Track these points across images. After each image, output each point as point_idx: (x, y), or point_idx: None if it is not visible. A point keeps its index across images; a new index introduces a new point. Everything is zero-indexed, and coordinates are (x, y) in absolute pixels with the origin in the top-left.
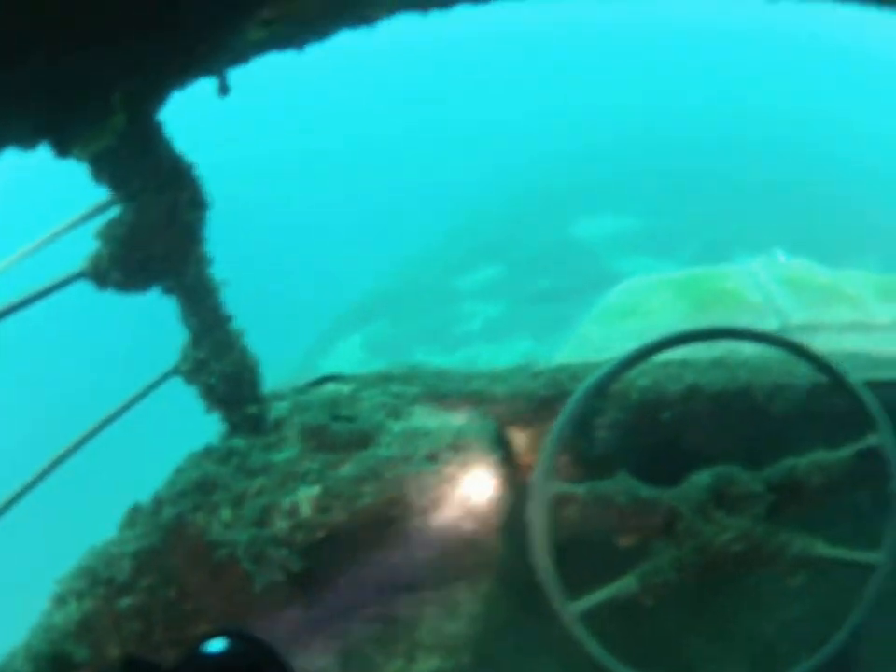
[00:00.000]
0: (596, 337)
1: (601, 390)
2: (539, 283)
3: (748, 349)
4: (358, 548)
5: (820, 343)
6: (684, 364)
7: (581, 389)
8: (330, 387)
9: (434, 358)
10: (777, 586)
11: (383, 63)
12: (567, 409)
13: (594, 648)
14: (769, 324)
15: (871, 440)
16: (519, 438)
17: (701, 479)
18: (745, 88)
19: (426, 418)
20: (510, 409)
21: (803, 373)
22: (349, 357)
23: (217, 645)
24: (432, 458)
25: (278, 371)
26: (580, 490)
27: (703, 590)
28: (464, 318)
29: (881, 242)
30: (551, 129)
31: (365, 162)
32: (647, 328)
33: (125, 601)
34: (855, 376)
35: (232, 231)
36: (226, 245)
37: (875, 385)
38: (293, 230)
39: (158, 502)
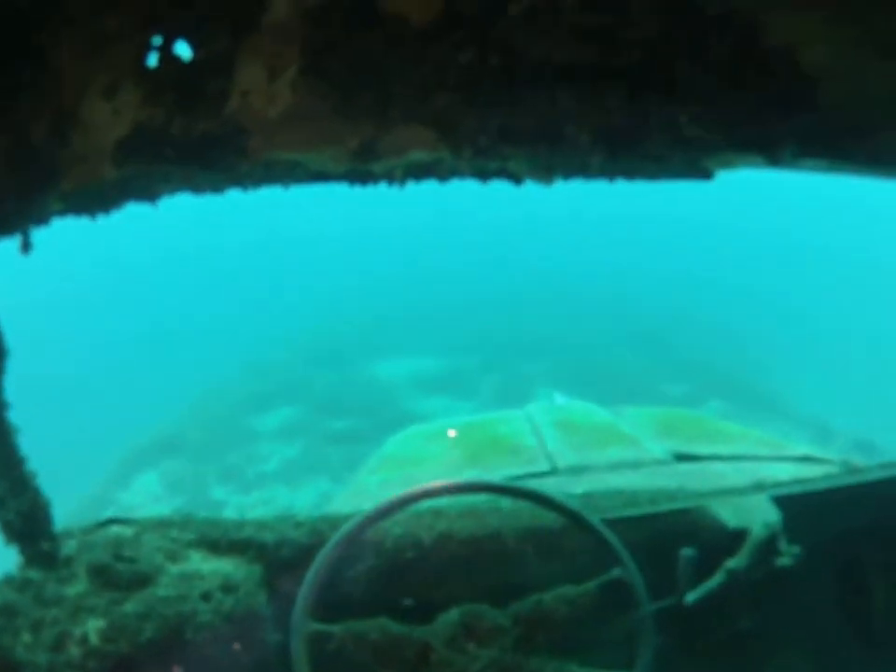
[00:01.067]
0: (371, 485)
1: (351, 540)
2: (336, 423)
3: (499, 499)
4: None
5: (587, 483)
6: (437, 513)
7: (333, 539)
8: (114, 529)
9: (231, 498)
10: None
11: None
12: (321, 556)
13: None
14: (539, 467)
15: (615, 572)
16: (284, 582)
17: (450, 616)
18: (544, 246)
19: (200, 562)
20: (275, 555)
21: (551, 517)
22: (146, 491)
23: None
24: (205, 598)
25: (75, 501)
26: (335, 629)
27: None
28: (261, 458)
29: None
30: (349, 270)
31: (162, 293)
32: (419, 476)
33: None
34: (598, 516)
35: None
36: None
37: (621, 522)
38: (90, 357)
39: None
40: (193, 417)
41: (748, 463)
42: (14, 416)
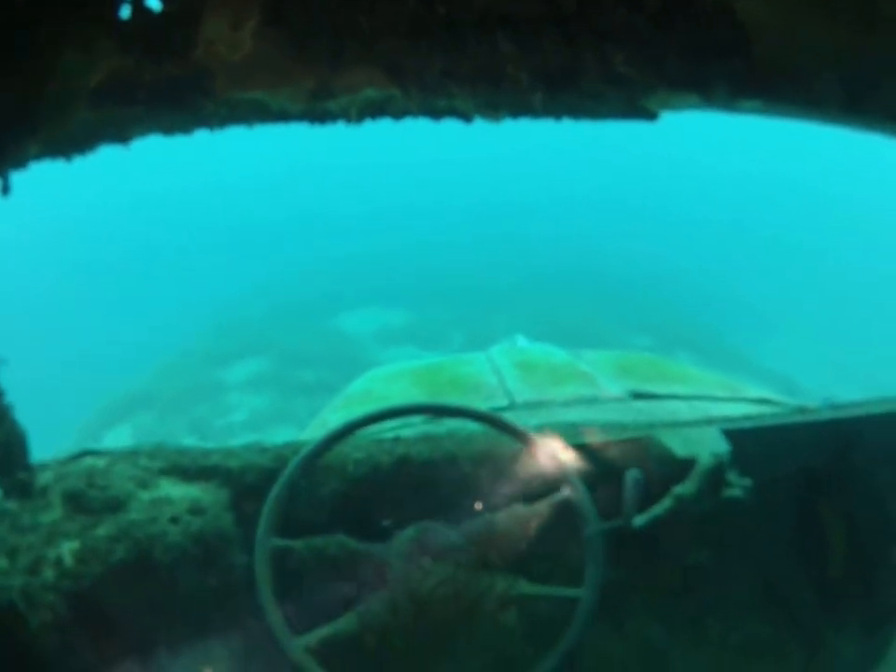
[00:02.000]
0: (333, 421)
1: (311, 461)
2: (303, 374)
3: (455, 424)
4: (116, 598)
5: (543, 418)
6: (396, 440)
7: (293, 460)
8: (88, 460)
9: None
10: (492, 624)
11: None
12: (283, 476)
13: None
14: (498, 403)
15: (563, 493)
16: (250, 506)
17: (406, 533)
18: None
19: (169, 488)
20: (241, 480)
21: (505, 442)
22: (119, 444)
23: None
24: (174, 521)
25: (49, 455)
26: (297, 544)
27: (427, 631)
28: (229, 410)
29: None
30: (315, 222)
31: (129, 251)
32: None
33: None
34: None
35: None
36: None
37: (573, 449)
38: (57, 319)
39: None
40: (164, 373)
41: (703, 402)
42: None
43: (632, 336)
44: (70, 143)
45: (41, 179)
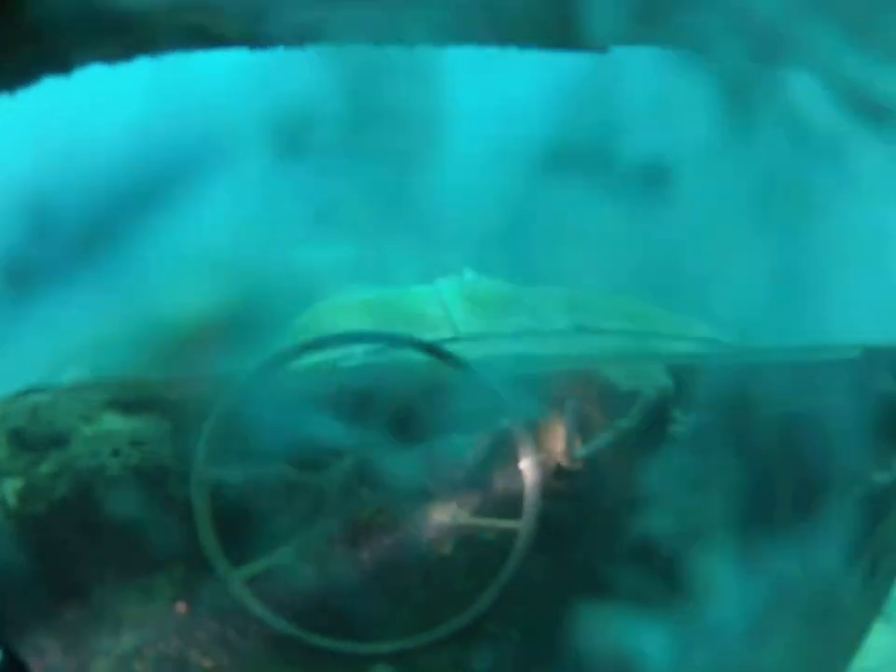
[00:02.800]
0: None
1: (248, 389)
2: (252, 309)
3: (397, 355)
4: (59, 535)
5: (487, 349)
6: (336, 369)
7: (230, 389)
8: (33, 397)
9: None
10: (430, 555)
11: None
12: (219, 405)
13: (258, 609)
14: (443, 335)
15: (502, 423)
16: (190, 438)
17: (344, 462)
18: None
19: (112, 422)
20: (181, 411)
21: (446, 372)
22: None
23: None
24: (115, 454)
25: None
26: (234, 475)
27: (365, 561)
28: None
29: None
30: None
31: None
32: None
33: None
34: (491, 372)
35: None
36: None
37: (515, 379)
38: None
39: None
40: None
41: (650, 338)
42: None
43: (588, 276)
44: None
45: None
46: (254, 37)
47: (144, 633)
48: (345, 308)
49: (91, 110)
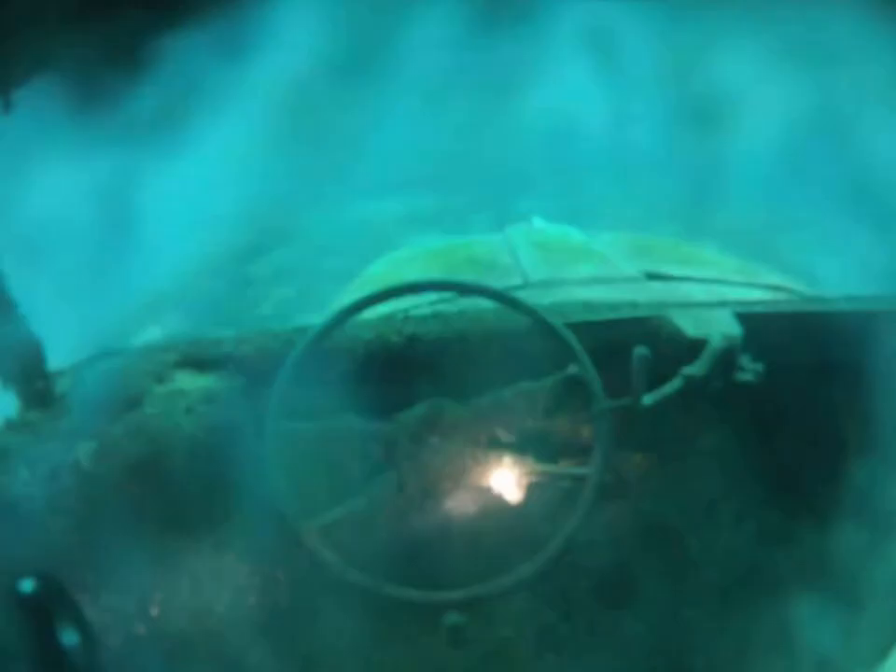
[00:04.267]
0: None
1: (318, 342)
2: (329, 263)
3: (466, 302)
4: (135, 495)
5: (556, 296)
6: (406, 318)
7: (301, 342)
8: (104, 361)
9: None
10: (501, 502)
11: None
12: (290, 358)
13: (331, 558)
14: (512, 282)
15: (571, 369)
16: (262, 390)
17: (415, 411)
18: None
19: (184, 381)
20: (253, 366)
21: (514, 320)
22: None
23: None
24: (189, 411)
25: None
26: (305, 426)
27: (436, 508)
28: (258, 301)
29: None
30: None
31: None
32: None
33: None
34: (559, 320)
35: None
36: None
37: (582, 326)
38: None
39: None
40: (190, 273)
41: (719, 286)
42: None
43: (658, 223)
44: None
45: None
46: None
47: (219, 586)
48: (414, 258)
49: None
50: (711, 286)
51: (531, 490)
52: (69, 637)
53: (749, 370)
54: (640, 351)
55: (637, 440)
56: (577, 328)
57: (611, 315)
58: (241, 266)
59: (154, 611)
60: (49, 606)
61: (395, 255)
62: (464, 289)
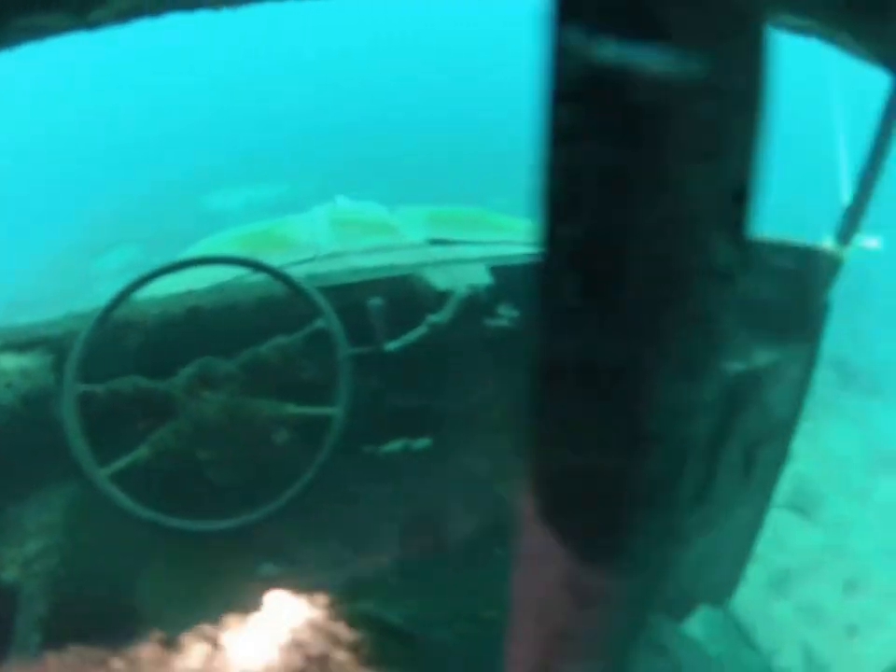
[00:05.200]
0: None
1: (105, 316)
2: (172, 256)
3: (242, 276)
4: None
5: (340, 265)
6: (190, 292)
7: (92, 316)
8: None
9: None
10: (264, 441)
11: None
12: (84, 330)
13: (125, 502)
14: (303, 256)
15: (318, 323)
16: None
17: (187, 369)
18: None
19: (5, 361)
20: (61, 345)
21: (281, 288)
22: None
23: None
24: (8, 386)
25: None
26: (97, 388)
27: (210, 451)
28: (99, 299)
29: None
30: (189, 99)
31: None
32: (197, 277)
33: None
34: (319, 283)
35: None
36: None
37: (338, 288)
38: None
39: None
40: (35, 272)
41: (501, 247)
42: None
43: (490, 197)
44: None
45: None
46: None
47: (45, 538)
48: (230, 240)
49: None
50: (493, 247)
51: (287, 428)
52: None
53: (504, 316)
54: (374, 302)
55: (383, 379)
56: (332, 291)
57: (365, 277)
58: (83, 264)
59: None
60: None
61: (212, 239)
62: (228, 262)
